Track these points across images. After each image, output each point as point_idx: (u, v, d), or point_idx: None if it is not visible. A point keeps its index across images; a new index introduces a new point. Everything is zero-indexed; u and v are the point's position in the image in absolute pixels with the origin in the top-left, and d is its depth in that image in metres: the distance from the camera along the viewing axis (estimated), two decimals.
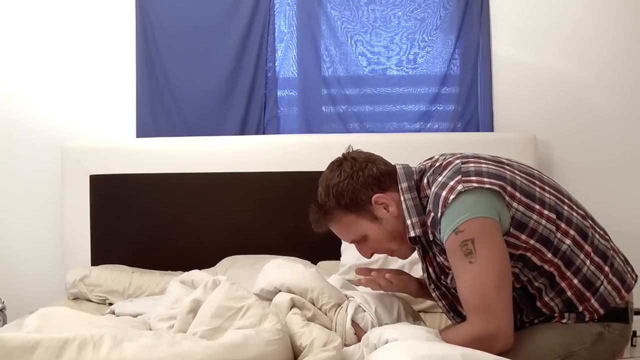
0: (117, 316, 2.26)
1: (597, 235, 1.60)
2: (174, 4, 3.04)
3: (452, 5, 3.00)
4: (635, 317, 2.51)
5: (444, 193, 1.53)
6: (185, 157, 2.89)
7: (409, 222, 1.64)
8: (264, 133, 3.05)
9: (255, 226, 2.84)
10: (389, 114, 3.07)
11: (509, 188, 1.54)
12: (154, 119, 3.05)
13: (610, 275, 1.57)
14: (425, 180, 1.65)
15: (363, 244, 1.73)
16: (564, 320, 1.59)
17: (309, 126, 3.05)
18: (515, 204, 1.52)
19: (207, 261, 2.71)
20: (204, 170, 2.87)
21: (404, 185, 1.66)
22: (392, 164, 1.73)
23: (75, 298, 2.66)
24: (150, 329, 1.86)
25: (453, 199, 1.50)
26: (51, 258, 3.03)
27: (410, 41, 3.03)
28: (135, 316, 2.17)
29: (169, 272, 2.74)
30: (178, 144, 2.93)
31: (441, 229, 1.54)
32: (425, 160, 1.73)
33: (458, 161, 1.60)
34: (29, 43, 3.07)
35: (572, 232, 1.56)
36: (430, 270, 1.70)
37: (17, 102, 3.08)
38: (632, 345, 2.50)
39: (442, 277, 1.67)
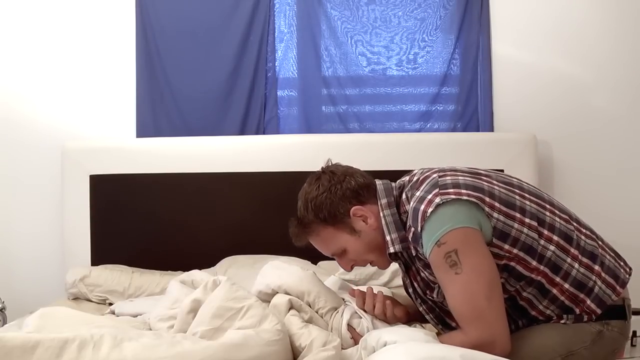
0: (117, 316, 2.26)
1: (582, 237, 1.60)
2: (174, 4, 3.04)
3: (452, 5, 3.00)
4: (635, 318, 2.51)
5: (422, 207, 1.53)
6: (185, 157, 2.89)
7: (388, 238, 1.65)
8: (264, 133, 3.05)
9: (255, 226, 2.84)
10: (389, 114, 3.07)
11: (487, 199, 1.54)
12: (154, 119, 3.05)
13: (603, 274, 1.58)
14: (404, 196, 1.66)
15: (343, 257, 1.74)
16: (562, 321, 1.59)
17: (309, 126, 3.05)
18: (495, 214, 1.53)
19: (207, 261, 2.71)
20: (204, 170, 2.87)
21: (383, 201, 1.67)
22: (371, 178, 1.74)
23: (75, 298, 2.66)
24: (150, 329, 1.86)
25: (431, 212, 1.51)
26: (51, 258, 3.03)
27: (410, 41, 3.03)
28: (135, 316, 2.17)
29: (169, 272, 2.74)
30: (178, 144, 2.93)
31: (423, 244, 1.54)
32: (405, 176, 1.74)
33: (435, 175, 1.61)
34: (29, 43, 3.07)
35: (555, 237, 1.56)
36: (415, 285, 1.71)
37: (17, 103, 3.08)
38: (632, 345, 2.51)
39: (428, 291, 1.67)
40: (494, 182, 1.60)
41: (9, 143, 3.07)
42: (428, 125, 3.04)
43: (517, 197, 1.58)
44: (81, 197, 2.88)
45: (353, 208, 1.67)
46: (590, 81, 3.00)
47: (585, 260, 1.57)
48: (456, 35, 3.00)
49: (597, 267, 1.57)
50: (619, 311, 1.60)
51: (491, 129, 2.99)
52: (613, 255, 1.65)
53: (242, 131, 3.03)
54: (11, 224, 3.08)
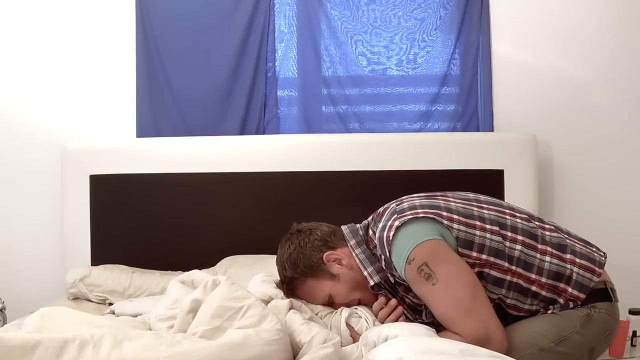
0: (117, 316, 2.26)
1: (546, 232, 1.68)
2: (174, 4, 3.04)
3: (452, 5, 3.00)
4: (635, 317, 2.51)
5: (385, 233, 1.65)
6: (185, 157, 2.89)
7: (365, 273, 1.76)
8: (264, 133, 3.04)
9: (255, 226, 2.84)
10: (389, 114, 3.07)
11: (444, 213, 1.64)
12: (154, 119, 3.05)
13: (577, 260, 1.64)
14: (370, 232, 1.78)
15: (332, 303, 1.83)
16: (549, 311, 1.65)
17: (309, 126, 3.04)
18: (455, 225, 1.62)
19: (207, 261, 2.71)
20: (204, 170, 2.87)
21: (352, 242, 1.80)
22: (336, 226, 1.88)
23: (75, 298, 2.66)
24: (150, 329, 1.86)
25: (393, 235, 1.62)
26: (51, 258, 3.03)
27: (410, 41, 3.03)
28: (135, 316, 2.17)
29: (169, 272, 2.74)
30: (178, 144, 2.93)
31: (395, 267, 1.63)
32: (370, 216, 1.86)
33: (393, 205, 1.73)
34: (29, 43, 3.07)
35: (520, 237, 1.64)
36: (404, 313, 1.76)
37: (17, 102, 3.07)
38: (632, 345, 2.50)
39: (417, 316, 1.74)
40: (450, 199, 1.72)
41: (9, 143, 3.07)
42: (428, 125, 3.04)
43: (474, 208, 1.68)
44: (81, 197, 2.87)
45: (325, 254, 1.79)
46: (591, 81, 3.00)
47: (554, 252, 1.64)
48: (456, 35, 3.00)
49: (568, 256, 1.64)
50: (602, 294, 1.66)
51: (491, 129, 2.99)
52: (583, 243, 1.72)
53: (242, 131, 3.03)
54: (11, 224, 3.08)
